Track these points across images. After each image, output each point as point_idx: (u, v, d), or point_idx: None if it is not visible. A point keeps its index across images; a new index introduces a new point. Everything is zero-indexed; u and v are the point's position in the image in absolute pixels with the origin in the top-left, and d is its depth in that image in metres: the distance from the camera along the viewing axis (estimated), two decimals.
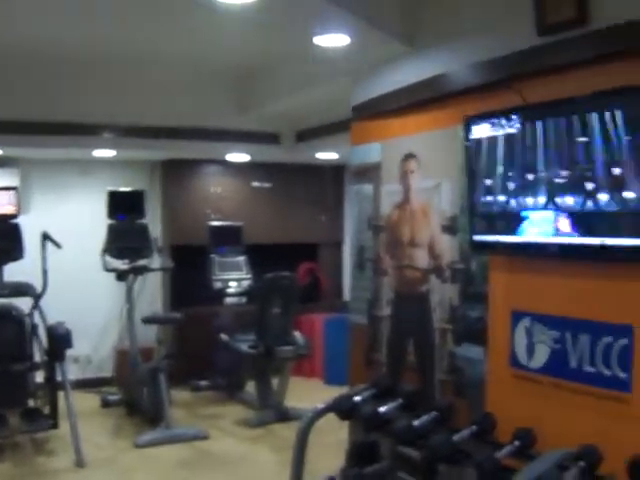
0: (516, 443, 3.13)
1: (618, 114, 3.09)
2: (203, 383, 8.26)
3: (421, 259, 4.68)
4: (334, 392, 3.87)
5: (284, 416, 7.15)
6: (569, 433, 3.27)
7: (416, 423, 3.40)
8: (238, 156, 8.49)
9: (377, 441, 4.10)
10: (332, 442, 5.07)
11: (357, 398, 3.78)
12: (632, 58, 3.14)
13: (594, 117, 3.20)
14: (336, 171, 9.90)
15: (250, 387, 7.99)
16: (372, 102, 5.00)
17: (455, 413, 3.62)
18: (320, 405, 3.80)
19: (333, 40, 4.45)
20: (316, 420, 3.76)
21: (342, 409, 3.75)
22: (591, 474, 2.80)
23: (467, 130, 3.92)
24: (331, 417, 3.84)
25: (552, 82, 3.55)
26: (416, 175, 4.71)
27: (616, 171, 3.14)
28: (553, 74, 3.54)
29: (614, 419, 3.27)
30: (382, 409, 3.59)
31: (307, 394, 7.43)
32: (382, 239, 5.11)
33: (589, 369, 3.43)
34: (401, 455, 4.25)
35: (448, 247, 4.44)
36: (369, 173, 5.24)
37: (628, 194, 3.09)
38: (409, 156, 4.75)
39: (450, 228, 4.40)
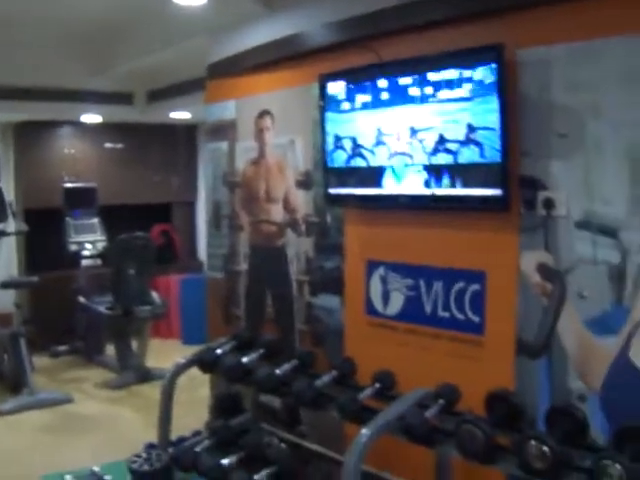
0: (377, 385, 3.16)
1: (468, 73, 3.15)
2: (62, 348, 8.00)
3: (277, 214, 4.67)
4: (192, 351, 3.81)
5: (145, 376, 7.04)
6: (428, 374, 3.34)
7: (278, 371, 3.38)
8: (91, 117, 8.22)
9: (239, 393, 4.08)
10: (195, 399, 5.02)
11: (219, 351, 3.72)
12: (485, 20, 3.22)
13: (445, 75, 3.25)
14: (188, 130, 9.73)
15: (109, 350, 7.80)
16: (228, 60, 4.91)
17: (315, 360, 3.62)
18: (182, 359, 3.73)
19: None
20: (180, 374, 3.69)
21: (205, 362, 3.69)
22: (450, 410, 2.86)
23: (322, 88, 3.89)
24: (192, 375, 3.79)
25: (407, 41, 3.57)
26: (271, 132, 4.67)
27: (464, 126, 3.20)
28: (408, 34, 3.56)
29: (469, 360, 3.39)
30: (244, 359, 3.55)
31: (166, 354, 7.28)
32: (238, 195, 5.06)
33: (444, 314, 3.51)
34: (263, 406, 4.25)
35: (303, 201, 4.44)
36: (224, 131, 5.17)
37: (475, 148, 3.15)
38: (264, 113, 4.70)
39: (305, 183, 4.40)
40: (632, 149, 2.77)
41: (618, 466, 2.11)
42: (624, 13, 2.75)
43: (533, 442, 2.30)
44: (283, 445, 3.77)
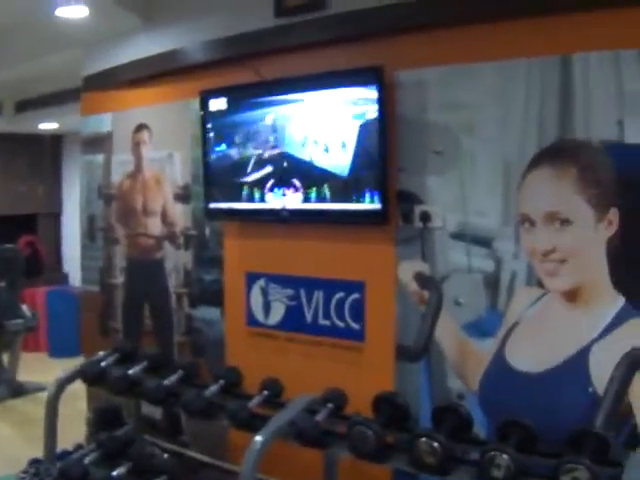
0: (265, 393, 3.22)
1: (349, 93, 3.29)
2: None
3: (154, 227, 4.66)
4: (62, 364, 3.77)
5: (18, 391, 6.80)
6: (313, 381, 3.43)
7: (166, 382, 3.40)
8: None
9: (119, 406, 4.06)
10: (71, 413, 4.92)
11: (103, 364, 3.70)
12: (365, 42, 3.37)
13: (327, 94, 3.38)
14: (54, 141, 9.49)
15: None
16: (106, 73, 4.85)
17: (200, 371, 3.65)
18: (66, 373, 3.69)
19: (73, 11, 4.28)
20: (65, 387, 3.65)
21: (89, 374, 3.67)
22: (339, 414, 2.95)
23: (203, 103, 3.93)
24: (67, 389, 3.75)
25: (289, 61, 3.67)
26: (148, 145, 4.66)
27: (345, 144, 3.33)
28: (290, 53, 3.65)
29: (352, 365, 3.52)
30: (130, 372, 3.55)
31: (35, 368, 7.09)
32: (114, 208, 5.01)
33: (325, 322, 3.62)
34: (144, 417, 4.24)
35: (181, 215, 4.45)
36: (100, 143, 5.10)
37: (355, 164, 3.31)
38: (141, 127, 4.68)
39: (183, 196, 4.42)
40: (504, 164, 2.98)
41: (505, 456, 2.27)
42: (495, 40, 2.97)
43: (424, 439, 2.43)
44: (166, 455, 3.78)
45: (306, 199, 3.52)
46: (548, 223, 2.78)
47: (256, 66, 3.76)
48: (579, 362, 2.74)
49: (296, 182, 3.54)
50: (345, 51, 3.43)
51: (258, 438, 2.79)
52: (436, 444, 2.41)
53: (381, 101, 3.17)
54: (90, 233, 5.32)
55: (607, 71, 2.71)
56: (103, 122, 5.04)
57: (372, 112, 3.20)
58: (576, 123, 2.78)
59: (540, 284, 2.87)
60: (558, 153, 2.81)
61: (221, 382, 3.40)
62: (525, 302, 2.94)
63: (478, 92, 3.04)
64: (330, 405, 2.96)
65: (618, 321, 2.70)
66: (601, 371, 2.69)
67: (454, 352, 3.14)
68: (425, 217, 3.22)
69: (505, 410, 2.71)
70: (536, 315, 2.91)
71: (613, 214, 2.68)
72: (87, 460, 3.57)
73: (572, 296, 2.81)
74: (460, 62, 3.06)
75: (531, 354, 2.90)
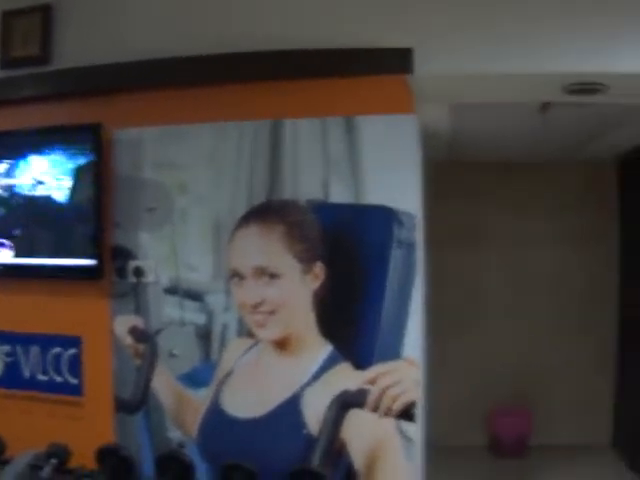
0: None
1: (67, 149, 3.17)
2: None
3: None
4: None
5: None
6: (35, 437, 3.17)
7: None
8: None
9: None
10: None
11: None
12: (86, 99, 3.27)
13: (44, 149, 3.22)
14: None
15: None
16: None
17: None
18: None
19: None
20: None
21: None
22: (63, 469, 2.80)
23: None
24: None
25: (11, 113, 3.45)
26: None
27: (59, 197, 3.20)
28: (13, 106, 3.44)
29: (72, 419, 3.34)
30: None
31: None
32: None
33: (42, 378, 3.43)
34: None
35: None
36: None
37: (70, 219, 3.20)
38: None
39: None
40: (214, 221, 3.03)
41: None
42: (209, 103, 3.03)
43: None
44: None
45: (19, 254, 3.31)
46: (257, 277, 2.85)
47: None
48: (292, 406, 2.82)
49: (11, 236, 3.32)
50: (67, 107, 3.30)
51: None
52: None
53: (97, 158, 3.09)
54: None
55: (314, 136, 2.86)
56: None
57: (89, 169, 3.10)
58: (285, 184, 2.91)
59: (251, 334, 2.93)
60: (266, 212, 2.90)
61: None
62: (238, 352, 2.98)
63: (191, 152, 3.07)
64: (54, 460, 2.78)
65: (327, 366, 2.82)
66: (314, 413, 2.80)
67: (171, 403, 3.11)
68: (139, 272, 3.16)
69: (224, 455, 2.72)
70: (249, 364, 2.96)
71: (319, 267, 2.81)
72: None
73: (282, 345, 2.89)
74: (175, 123, 3.08)
75: (246, 401, 2.94)
